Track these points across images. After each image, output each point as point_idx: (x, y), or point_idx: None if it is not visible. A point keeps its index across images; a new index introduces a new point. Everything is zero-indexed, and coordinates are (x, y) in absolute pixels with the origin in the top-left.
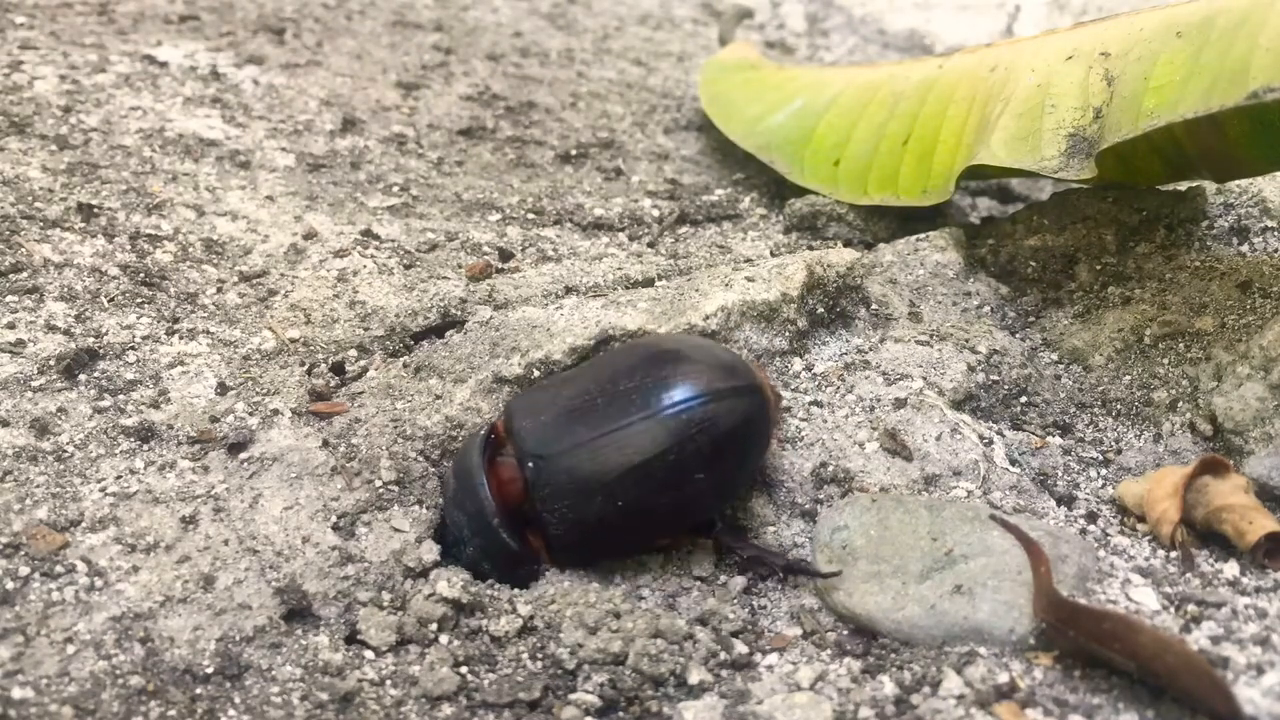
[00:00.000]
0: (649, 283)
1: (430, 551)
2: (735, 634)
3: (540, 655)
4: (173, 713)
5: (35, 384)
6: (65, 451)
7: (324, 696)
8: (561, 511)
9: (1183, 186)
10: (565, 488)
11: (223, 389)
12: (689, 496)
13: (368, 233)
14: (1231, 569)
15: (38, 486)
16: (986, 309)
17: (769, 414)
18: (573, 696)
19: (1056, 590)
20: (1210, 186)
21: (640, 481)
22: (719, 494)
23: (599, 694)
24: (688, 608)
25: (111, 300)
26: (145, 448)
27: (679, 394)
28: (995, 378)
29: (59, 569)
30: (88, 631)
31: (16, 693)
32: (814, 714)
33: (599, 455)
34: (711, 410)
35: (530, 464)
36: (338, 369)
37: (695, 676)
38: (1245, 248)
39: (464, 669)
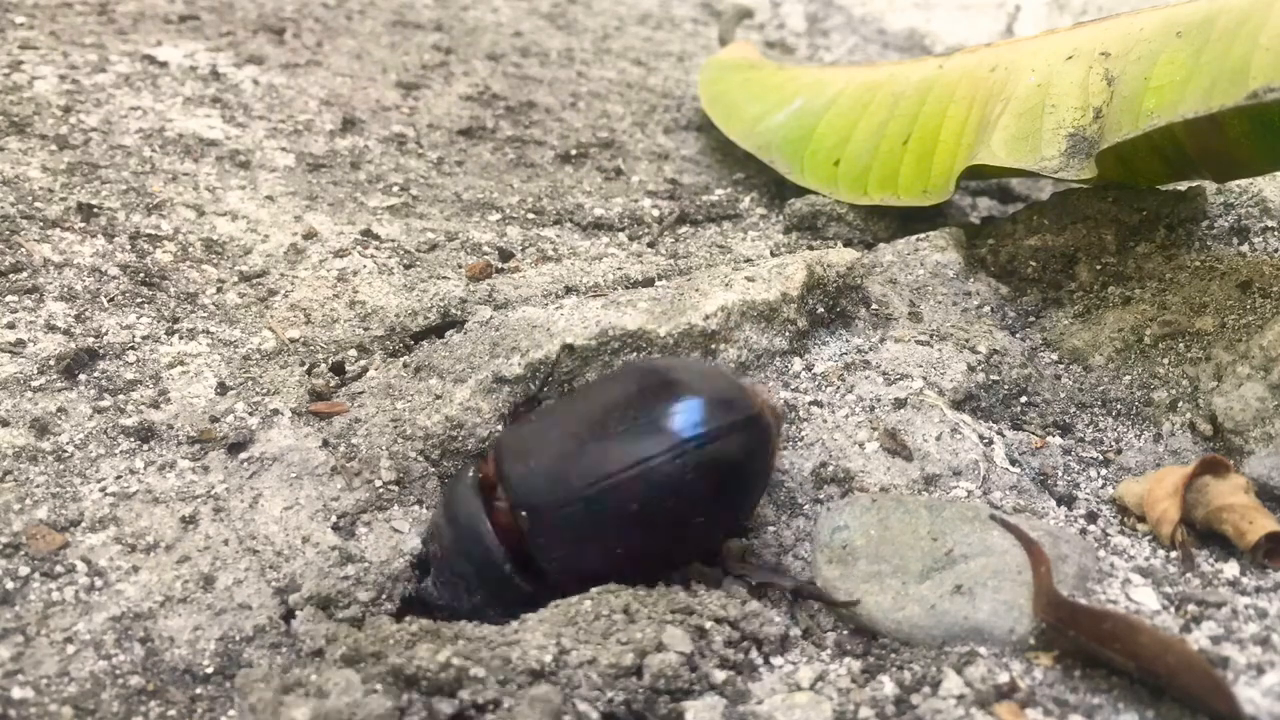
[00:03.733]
0: (649, 282)
1: None
2: (745, 637)
3: (544, 660)
4: (173, 713)
5: (35, 384)
6: (65, 451)
7: None
8: (559, 559)
9: (1183, 186)
10: (560, 540)
11: (223, 389)
12: (691, 537)
13: (368, 233)
14: (1231, 569)
15: (38, 486)
16: (986, 309)
17: (770, 444)
18: (578, 704)
19: (1056, 590)
20: (1210, 186)
21: (638, 530)
22: (722, 529)
23: (600, 702)
24: (698, 614)
25: (111, 300)
26: (145, 448)
27: (675, 435)
28: (995, 378)
29: (59, 569)
30: (88, 631)
31: (16, 693)
32: (814, 714)
33: (593, 506)
34: (710, 452)
35: (524, 514)
36: (338, 369)
37: (716, 678)
38: (1245, 248)
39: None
